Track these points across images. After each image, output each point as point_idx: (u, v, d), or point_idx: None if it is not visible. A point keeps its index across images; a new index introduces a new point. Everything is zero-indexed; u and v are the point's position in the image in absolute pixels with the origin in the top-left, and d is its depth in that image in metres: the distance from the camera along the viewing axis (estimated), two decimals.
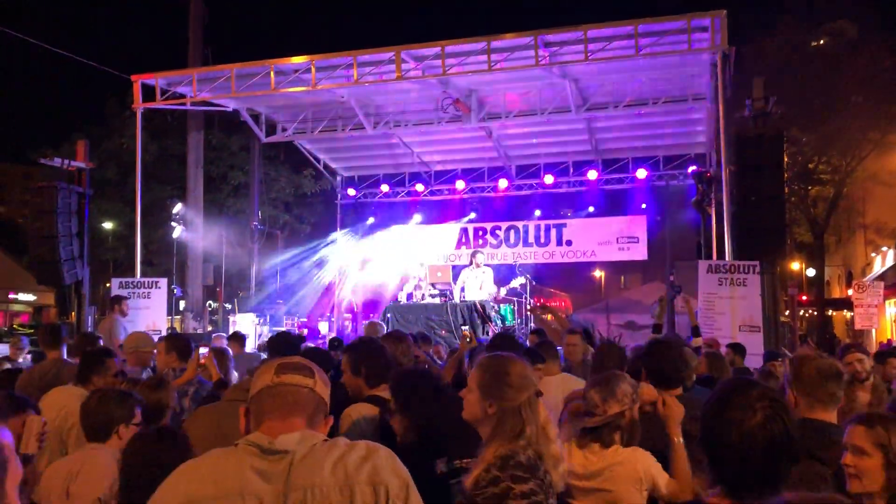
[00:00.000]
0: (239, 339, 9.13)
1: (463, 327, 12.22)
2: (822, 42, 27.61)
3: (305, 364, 1.95)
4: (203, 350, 4.75)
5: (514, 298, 14.28)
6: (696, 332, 7.22)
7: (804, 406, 2.93)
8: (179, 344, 5.28)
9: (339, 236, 18.69)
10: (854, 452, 2.52)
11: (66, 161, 12.91)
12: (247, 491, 1.75)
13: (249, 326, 14.81)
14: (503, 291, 13.85)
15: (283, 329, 15.02)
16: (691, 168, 15.33)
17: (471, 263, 14.19)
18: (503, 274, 15.32)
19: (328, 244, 19.33)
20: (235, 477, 1.77)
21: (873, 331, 19.39)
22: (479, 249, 15.23)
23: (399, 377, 3.46)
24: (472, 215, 17.88)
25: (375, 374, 3.72)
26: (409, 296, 14.38)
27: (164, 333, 11.76)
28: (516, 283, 13.98)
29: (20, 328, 26.53)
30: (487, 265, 14.47)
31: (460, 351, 6.15)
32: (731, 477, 1.94)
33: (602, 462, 3.07)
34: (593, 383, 3.22)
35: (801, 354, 3.11)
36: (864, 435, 2.51)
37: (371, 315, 17.02)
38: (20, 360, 8.65)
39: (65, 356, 5.89)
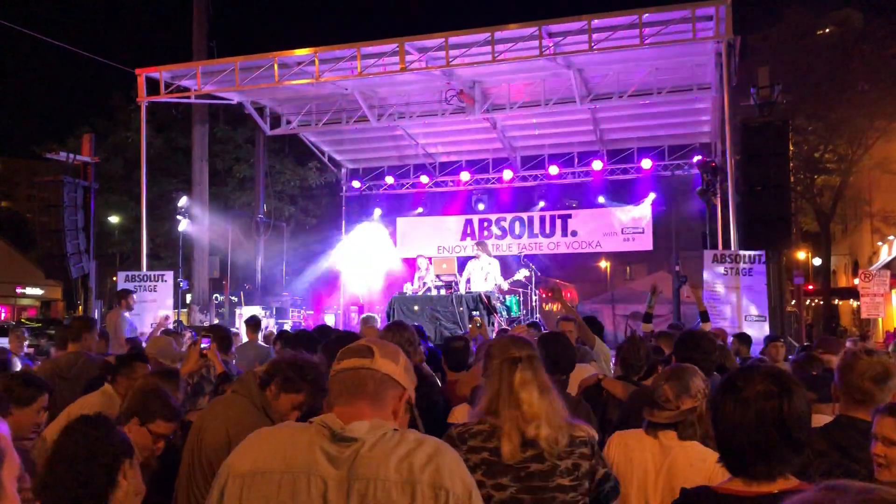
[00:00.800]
0: (254, 324, 8.60)
1: (474, 313, 12.25)
2: (827, 30, 27.48)
3: (365, 346, 1.97)
4: (205, 342, 4.75)
5: (520, 289, 14.30)
6: (704, 317, 7.19)
7: (844, 404, 2.89)
8: (221, 335, 5.35)
9: (345, 228, 18.72)
10: (884, 443, 2.51)
11: (72, 155, 12.95)
12: (313, 471, 1.78)
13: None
14: (506, 284, 13.88)
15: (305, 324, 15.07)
16: (696, 158, 15.29)
17: (477, 255, 14.21)
18: (509, 265, 15.34)
19: (333, 236, 19.36)
20: (304, 455, 1.80)
21: (880, 320, 19.32)
22: (485, 241, 15.24)
23: None
24: (479, 206, 17.89)
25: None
26: (415, 288, 14.41)
27: (170, 326, 11.82)
28: (520, 275, 13.98)
29: (27, 322, 26.65)
30: (493, 256, 14.49)
31: (469, 336, 6.20)
32: (726, 449, 1.98)
33: (680, 455, 2.99)
34: (666, 377, 3.12)
35: (850, 351, 3.01)
36: (894, 426, 2.50)
37: (377, 308, 17.06)
38: (22, 353, 8.63)
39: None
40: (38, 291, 38.72)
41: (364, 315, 9.90)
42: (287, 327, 14.05)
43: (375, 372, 1.91)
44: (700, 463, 2.95)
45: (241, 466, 1.82)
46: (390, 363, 1.95)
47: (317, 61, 12.37)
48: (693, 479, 2.86)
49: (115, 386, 4.37)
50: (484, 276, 13.69)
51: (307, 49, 12.49)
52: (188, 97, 13.96)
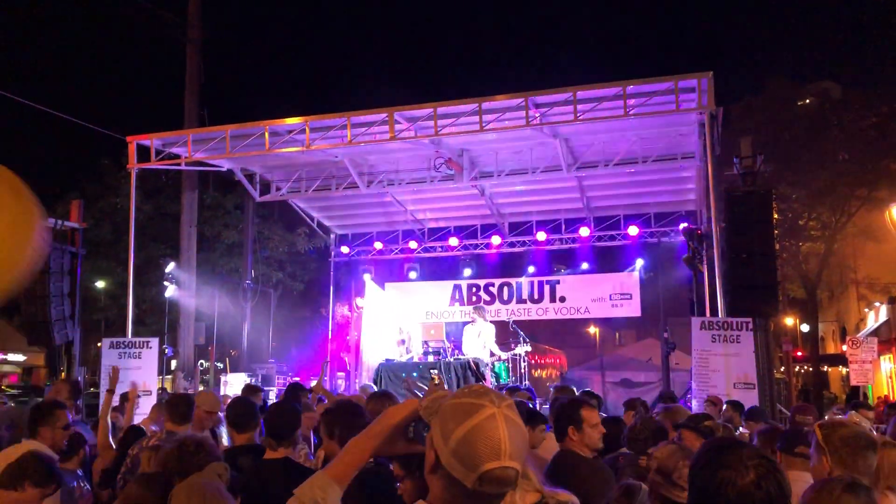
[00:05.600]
0: (253, 392, 7.85)
1: (432, 371, 12.28)
2: (807, 101, 28.21)
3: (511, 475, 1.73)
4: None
5: (509, 356, 14.29)
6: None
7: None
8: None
9: (332, 294, 18.66)
10: None
11: (60, 222, 12.94)
12: None
13: (241, 386, 14.65)
14: (499, 352, 13.93)
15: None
16: (682, 225, 15.44)
17: (472, 319, 14.25)
18: (498, 331, 15.33)
19: (321, 302, 19.29)
20: None
21: (869, 387, 19.29)
22: (482, 307, 15.20)
23: None
24: (466, 272, 17.93)
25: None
26: (407, 353, 14.37)
27: (154, 394, 11.62)
28: (520, 350, 14.10)
29: (8, 389, 26.18)
30: (489, 322, 14.56)
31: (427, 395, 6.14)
32: None
33: None
34: (685, 456, 3.04)
35: (830, 423, 3.03)
36: None
37: (365, 374, 16.89)
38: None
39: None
40: (20, 357, 38.12)
41: (362, 384, 9.80)
42: (273, 395, 13.86)
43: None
44: None
45: None
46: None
47: (307, 130, 12.51)
48: None
49: (38, 438, 4.38)
50: (481, 343, 13.72)
51: (298, 118, 12.65)
52: (178, 164, 14.04)
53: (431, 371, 12.33)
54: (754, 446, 2.06)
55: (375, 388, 12.29)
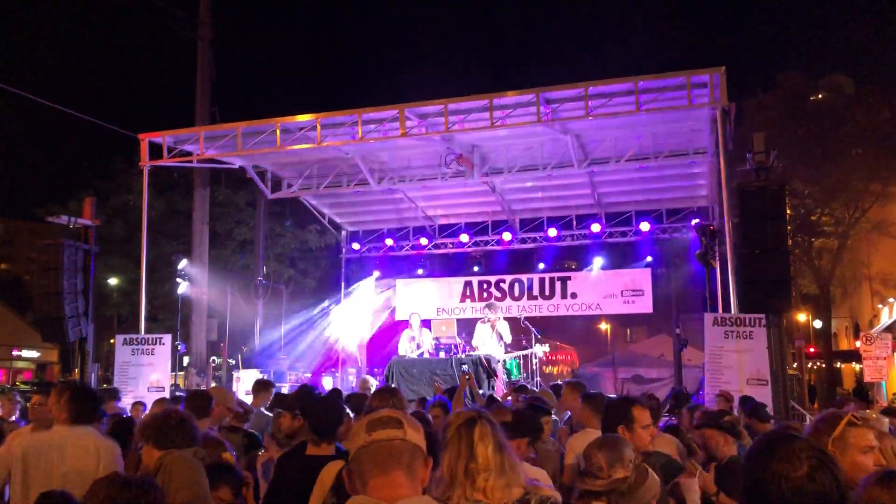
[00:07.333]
0: (261, 388, 7.74)
1: (463, 367, 12.36)
2: (820, 96, 28.03)
3: (393, 417, 2.00)
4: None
5: (521, 352, 14.29)
6: None
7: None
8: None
9: (344, 290, 18.70)
10: None
11: (73, 219, 13.01)
12: None
13: (253, 382, 14.70)
14: (523, 353, 13.98)
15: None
16: (694, 221, 15.38)
17: (488, 320, 14.23)
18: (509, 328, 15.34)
19: (333, 298, 19.33)
20: None
21: (883, 383, 19.14)
22: (493, 303, 15.17)
23: None
24: (477, 268, 17.91)
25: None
26: (409, 349, 14.39)
27: (167, 390, 11.67)
28: (538, 349, 14.10)
29: (22, 385, 26.37)
30: (503, 318, 14.57)
31: (461, 388, 6.27)
32: None
33: None
34: (599, 446, 3.14)
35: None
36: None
37: (375, 370, 16.93)
38: (13, 417, 8.44)
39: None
40: (34, 354, 38.45)
41: (363, 377, 9.81)
42: (285, 391, 13.89)
43: (407, 443, 1.95)
44: None
45: None
46: (417, 434, 1.99)
47: (318, 126, 12.52)
48: None
49: None
50: (496, 338, 13.72)
51: (309, 115, 12.65)
52: (190, 161, 14.09)
53: (463, 367, 12.40)
54: (807, 439, 2.05)
55: (375, 381, 12.35)
